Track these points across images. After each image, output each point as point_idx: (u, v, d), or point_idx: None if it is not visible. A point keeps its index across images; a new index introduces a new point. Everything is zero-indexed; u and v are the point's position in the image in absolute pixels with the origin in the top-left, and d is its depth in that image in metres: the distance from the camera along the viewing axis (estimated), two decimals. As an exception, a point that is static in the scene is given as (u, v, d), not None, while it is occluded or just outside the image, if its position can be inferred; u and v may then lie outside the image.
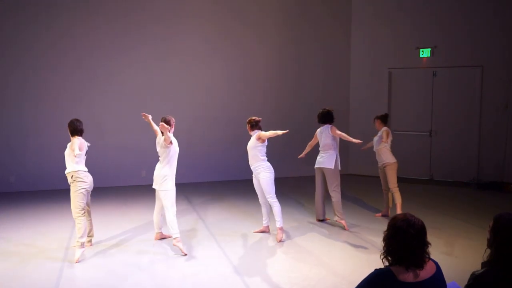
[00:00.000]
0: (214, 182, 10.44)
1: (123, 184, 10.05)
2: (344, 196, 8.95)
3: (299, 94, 11.13)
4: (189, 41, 10.38)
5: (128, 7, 10.00)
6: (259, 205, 6.78)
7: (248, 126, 6.57)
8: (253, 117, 6.58)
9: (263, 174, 6.40)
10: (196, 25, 10.42)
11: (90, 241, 6.20)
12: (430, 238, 2.79)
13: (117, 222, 7.31)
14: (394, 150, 7.71)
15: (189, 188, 9.63)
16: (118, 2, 9.96)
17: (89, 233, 6.16)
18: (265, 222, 6.77)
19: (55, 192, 9.01)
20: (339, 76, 11.40)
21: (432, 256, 2.77)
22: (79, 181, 5.79)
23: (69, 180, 5.85)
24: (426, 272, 2.69)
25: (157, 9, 10.17)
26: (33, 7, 9.47)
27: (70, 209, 5.86)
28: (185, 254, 5.86)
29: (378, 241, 5.93)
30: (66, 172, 5.89)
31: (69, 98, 9.73)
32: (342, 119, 11.31)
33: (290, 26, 11.00)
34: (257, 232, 6.78)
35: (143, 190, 9.36)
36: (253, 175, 6.62)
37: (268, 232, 6.76)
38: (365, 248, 6.10)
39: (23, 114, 9.53)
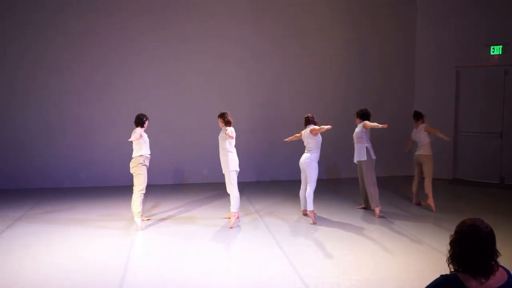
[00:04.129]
0: (280, 181, 10.49)
1: (185, 182, 10.33)
2: (406, 198, 8.71)
3: (363, 93, 10.86)
4: (249, 39, 10.44)
5: (168, 4, 10.14)
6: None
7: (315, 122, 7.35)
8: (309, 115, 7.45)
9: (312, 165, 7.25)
10: (264, 23, 10.50)
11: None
12: (500, 245, 2.66)
13: (184, 218, 7.54)
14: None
15: (249, 187, 9.74)
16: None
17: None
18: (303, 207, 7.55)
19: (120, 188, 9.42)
20: (403, 75, 11.08)
21: (503, 264, 2.64)
22: (139, 165, 6.88)
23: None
24: (496, 280, 2.56)
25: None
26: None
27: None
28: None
29: (443, 247, 5.72)
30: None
31: (129, 97, 10.11)
32: (406, 120, 10.98)
33: (353, 23, 10.84)
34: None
35: (205, 188, 9.65)
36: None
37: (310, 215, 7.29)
38: (430, 252, 5.90)
39: (64, 112, 9.90)
